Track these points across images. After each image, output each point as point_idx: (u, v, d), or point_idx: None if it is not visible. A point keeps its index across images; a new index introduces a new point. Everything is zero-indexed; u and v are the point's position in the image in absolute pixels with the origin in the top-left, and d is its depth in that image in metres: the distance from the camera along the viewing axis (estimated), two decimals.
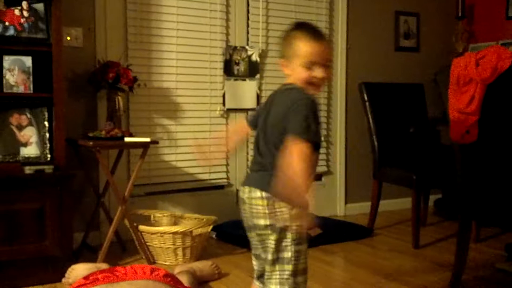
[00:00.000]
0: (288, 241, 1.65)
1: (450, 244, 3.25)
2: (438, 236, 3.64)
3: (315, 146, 1.58)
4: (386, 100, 3.88)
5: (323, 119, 4.21)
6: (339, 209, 4.34)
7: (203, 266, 2.75)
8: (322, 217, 3.97)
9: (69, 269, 2.64)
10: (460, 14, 4.56)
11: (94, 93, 3.30)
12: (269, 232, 1.65)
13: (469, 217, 2.56)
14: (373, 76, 4.23)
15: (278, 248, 1.64)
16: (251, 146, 3.94)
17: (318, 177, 4.27)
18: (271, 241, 1.65)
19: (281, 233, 1.65)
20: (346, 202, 4.36)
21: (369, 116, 3.74)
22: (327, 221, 3.81)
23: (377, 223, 3.80)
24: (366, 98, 3.78)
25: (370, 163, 3.82)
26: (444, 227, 3.93)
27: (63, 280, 2.62)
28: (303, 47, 1.63)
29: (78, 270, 2.60)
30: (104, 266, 2.67)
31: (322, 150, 4.22)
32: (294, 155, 1.51)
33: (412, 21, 4.62)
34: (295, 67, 1.66)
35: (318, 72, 1.64)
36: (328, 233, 3.50)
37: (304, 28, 1.68)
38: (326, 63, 1.65)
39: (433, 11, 4.71)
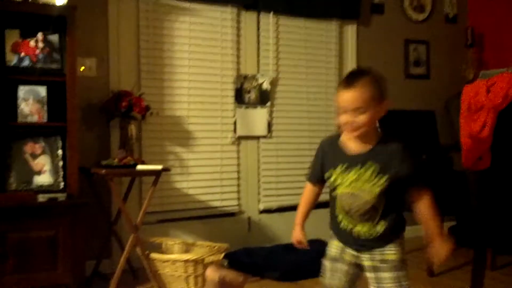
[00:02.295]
0: None
1: (466, 272, 3.19)
2: (453, 264, 3.58)
3: (309, 179, 1.98)
4: (397, 127, 3.87)
5: None
6: None
7: (235, 278, 2.69)
8: None
9: None
10: (470, 42, 4.58)
11: (107, 122, 3.34)
12: None
13: (485, 245, 2.53)
14: None
15: None
16: (262, 173, 3.95)
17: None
18: None
19: None
20: None
21: None
22: None
23: None
24: (377, 125, 3.78)
25: None
26: (459, 255, 3.83)
27: None
28: None
29: None
30: None
31: None
32: None
33: (422, 49, 4.65)
34: None
35: (339, 118, 1.75)
36: None
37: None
38: (343, 110, 1.73)
39: (442, 39, 4.74)
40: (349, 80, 1.74)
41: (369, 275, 1.84)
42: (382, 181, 1.73)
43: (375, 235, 1.79)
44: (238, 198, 3.87)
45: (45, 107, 2.87)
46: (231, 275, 2.71)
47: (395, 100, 4.35)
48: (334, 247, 1.92)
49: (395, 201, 1.80)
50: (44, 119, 2.87)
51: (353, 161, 1.77)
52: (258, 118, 3.91)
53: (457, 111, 3.54)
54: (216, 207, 3.77)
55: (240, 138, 3.86)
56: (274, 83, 3.97)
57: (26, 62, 2.84)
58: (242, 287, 2.70)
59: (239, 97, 3.84)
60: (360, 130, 1.73)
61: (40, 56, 2.87)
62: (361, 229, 1.81)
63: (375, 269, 1.82)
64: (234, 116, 3.82)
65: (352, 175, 1.77)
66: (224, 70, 3.79)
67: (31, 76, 2.83)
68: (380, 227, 1.79)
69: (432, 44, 4.69)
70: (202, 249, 3.22)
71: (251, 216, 3.89)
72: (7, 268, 2.55)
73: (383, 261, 1.80)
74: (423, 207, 1.79)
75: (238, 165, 3.87)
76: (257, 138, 3.93)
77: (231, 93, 3.80)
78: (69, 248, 2.66)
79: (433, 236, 1.79)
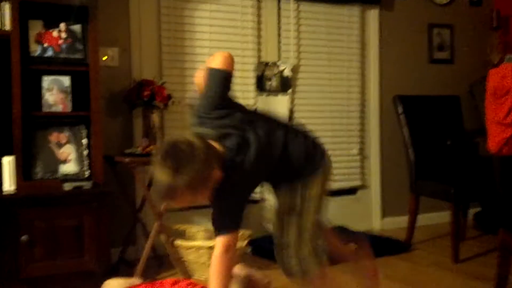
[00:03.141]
0: None
1: (491, 259, 3.14)
2: (478, 251, 3.54)
3: None
4: (422, 112, 3.83)
5: (357, 133, 4.19)
6: (375, 223, 4.28)
7: (260, 279, 2.71)
8: (358, 231, 3.92)
9: (102, 286, 2.65)
10: (495, 25, 4.48)
11: (130, 111, 3.37)
12: None
13: (510, 231, 2.49)
14: (407, 89, 4.19)
15: None
16: None
17: (353, 191, 4.23)
18: None
19: None
20: (382, 216, 4.30)
21: (404, 129, 3.70)
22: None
23: (415, 238, 3.72)
24: (401, 111, 3.74)
25: (406, 177, 3.77)
26: (484, 241, 3.82)
27: None
28: None
29: (112, 286, 2.61)
30: (137, 281, 2.68)
31: (356, 163, 4.19)
32: None
33: (445, 33, 4.57)
34: None
35: None
36: None
37: None
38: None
39: (466, 22, 4.65)
40: (163, 196, 1.63)
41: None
42: None
43: None
44: (262, 186, 3.87)
45: (69, 97, 2.91)
46: (258, 275, 2.72)
47: (419, 86, 4.35)
48: None
49: None
50: (69, 108, 2.90)
51: None
52: (279, 105, 3.90)
53: (482, 95, 3.48)
54: None
55: None
56: (295, 70, 3.95)
57: (49, 53, 2.87)
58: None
59: (260, 84, 3.83)
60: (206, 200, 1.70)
61: (63, 46, 2.90)
62: None
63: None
64: (255, 103, 3.81)
65: None
66: (245, 57, 3.78)
67: (54, 66, 2.87)
68: None
69: (456, 28, 4.60)
70: None
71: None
72: (34, 255, 2.60)
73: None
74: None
75: None
76: None
77: (252, 80, 3.80)
78: (95, 236, 2.71)
79: None
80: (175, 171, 1.53)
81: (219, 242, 1.70)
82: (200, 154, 1.56)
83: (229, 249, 1.70)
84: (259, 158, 1.71)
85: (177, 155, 1.55)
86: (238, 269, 2.71)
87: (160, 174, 1.56)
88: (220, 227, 1.71)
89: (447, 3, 4.56)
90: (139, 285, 2.03)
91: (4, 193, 2.66)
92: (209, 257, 2.92)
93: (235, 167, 1.66)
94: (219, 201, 1.69)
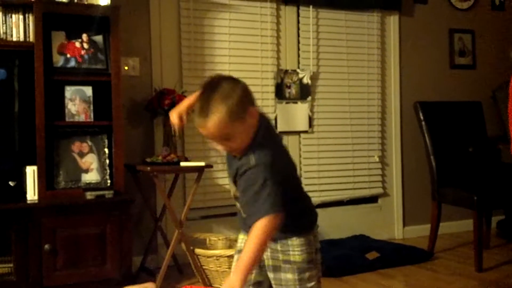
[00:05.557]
0: None
1: None
2: (502, 259, 3.48)
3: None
4: (443, 119, 3.79)
5: (378, 140, 4.16)
6: (397, 232, 4.24)
7: None
8: (380, 240, 3.89)
9: None
10: None
11: (151, 120, 3.40)
12: None
13: None
14: (428, 95, 4.16)
15: None
16: (304, 168, 3.93)
17: (374, 199, 4.20)
18: None
19: None
20: (404, 225, 4.25)
21: (426, 135, 3.67)
22: (385, 245, 3.72)
23: (438, 246, 3.68)
24: (422, 117, 3.71)
25: (428, 184, 3.73)
26: (508, 249, 3.76)
27: None
28: None
29: None
30: (151, 286, 2.68)
31: (377, 171, 4.16)
32: None
33: (467, 38, 4.52)
34: None
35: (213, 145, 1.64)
36: (386, 256, 3.42)
37: None
38: (210, 139, 1.60)
39: (488, 27, 4.59)
40: (202, 108, 1.53)
41: (270, 275, 1.69)
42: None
43: None
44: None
45: (91, 107, 2.94)
46: None
47: (440, 92, 4.31)
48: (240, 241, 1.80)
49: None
50: (91, 118, 2.94)
51: (228, 161, 1.72)
52: (299, 113, 3.90)
53: (505, 101, 3.43)
54: None
55: (281, 133, 3.85)
56: (314, 77, 3.94)
57: (72, 63, 2.91)
58: None
59: (280, 92, 3.83)
60: (238, 151, 1.60)
61: (85, 56, 2.94)
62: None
63: (275, 269, 1.67)
64: (274, 111, 3.82)
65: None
66: (264, 65, 3.78)
67: (77, 76, 2.91)
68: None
69: (477, 32, 4.55)
70: None
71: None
72: (57, 263, 2.63)
73: (286, 261, 1.66)
74: (251, 233, 1.50)
75: None
76: (298, 133, 3.91)
77: (272, 88, 3.80)
78: (116, 244, 2.73)
79: (235, 269, 1.52)
80: (217, 97, 1.51)
81: (263, 223, 1.49)
82: (240, 91, 1.55)
83: (273, 231, 1.52)
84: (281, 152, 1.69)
85: (219, 83, 1.55)
86: None
87: (202, 99, 1.55)
88: (260, 209, 1.51)
89: (468, 8, 4.51)
90: None
91: (27, 202, 2.69)
92: (229, 266, 2.94)
93: (264, 136, 1.60)
94: (255, 173, 1.54)
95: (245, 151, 1.58)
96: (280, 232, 1.59)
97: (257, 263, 1.59)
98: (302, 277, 1.66)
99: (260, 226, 1.49)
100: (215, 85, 1.55)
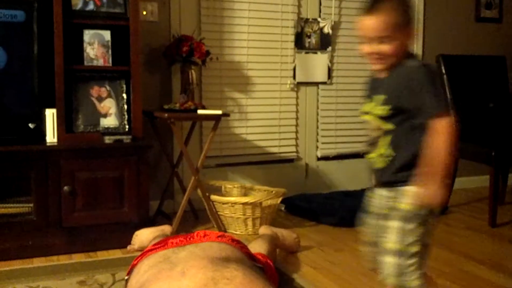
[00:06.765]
0: None
1: None
2: None
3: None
4: (465, 73, 3.71)
5: None
6: None
7: (288, 235, 2.75)
8: None
9: (134, 236, 2.72)
10: None
11: (168, 67, 3.38)
12: None
13: None
14: (451, 48, 4.06)
15: None
16: (321, 120, 3.92)
17: None
18: None
19: None
20: None
21: (447, 89, 3.61)
22: None
23: (452, 201, 3.68)
24: (444, 71, 3.64)
25: None
26: None
27: (129, 247, 2.72)
28: None
29: (143, 235, 2.69)
30: (167, 228, 2.74)
31: None
32: None
33: None
34: None
35: (362, 48, 1.67)
36: None
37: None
38: (366, 39, 1.64)
39: None
40: (372, 4, 1.59)
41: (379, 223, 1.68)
42: (386, 111, 1.61)
43: (385, 164, 1.63)
44: (296, 145, 3.88)
45: (110, 51, 2.93)
46: (285, 232, 2.77)
47: (464, 45, 4.21)
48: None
49: (408, 136, 1.59)
50: (109, 63, 2.93)
51: (372, 90, 1.70)
52: (318, 63, 3.85)
53: None
54: (274, 153, 3.80)
55: (299, 84, 3.82)
56: (335, 27, 3.87)
57: (90, 6, 2.88)
58: (296, 244, 2.75)
59: (299, 42, 3.77)
60: (385, 61, 1.61)
61: (104, 0, 2.90)
62: (373, 155, 1.67)
63: (384, 217, 1.65)
64: (293, 61, 3.77)
65: (369, 104, 1.68)
66: (284, 13, 3.71)
67: (95, 20, 2.89)
68: (387, 156, 1.62)
69: None
70: (260, 193, 3.28)
71: (308, 163, 3.90)
72: (76, 204, 2.69)
73: (394, 209, 1.63)
74: (431, 140, 1.51)
75: (297, 111, 3.86)
76: (317, 84, 3.88)
77: (291, 38, 3.74)
78: (134, 188, 2.78)
79: (421, 180, 1.53)
80: (388, 2, 1.59)
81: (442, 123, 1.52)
82: (409, 8, 1.63)
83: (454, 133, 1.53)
84: None
85: None
86: (264, 229, 2.76)
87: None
88: (433, 105, 1.52)
89: None
90: (173, 237, 2.08)
91: (47, 145, 2.74)
92: (243, 213, 2.99)
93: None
94: (412, 73, 1.57)
95: (392, 67, 1.62)
96: (397, 179, 1.61)
97: (450, 169, 1.57)
98: (404, 228, 1.61)
99: (440, 125, 1.51)
100: None
